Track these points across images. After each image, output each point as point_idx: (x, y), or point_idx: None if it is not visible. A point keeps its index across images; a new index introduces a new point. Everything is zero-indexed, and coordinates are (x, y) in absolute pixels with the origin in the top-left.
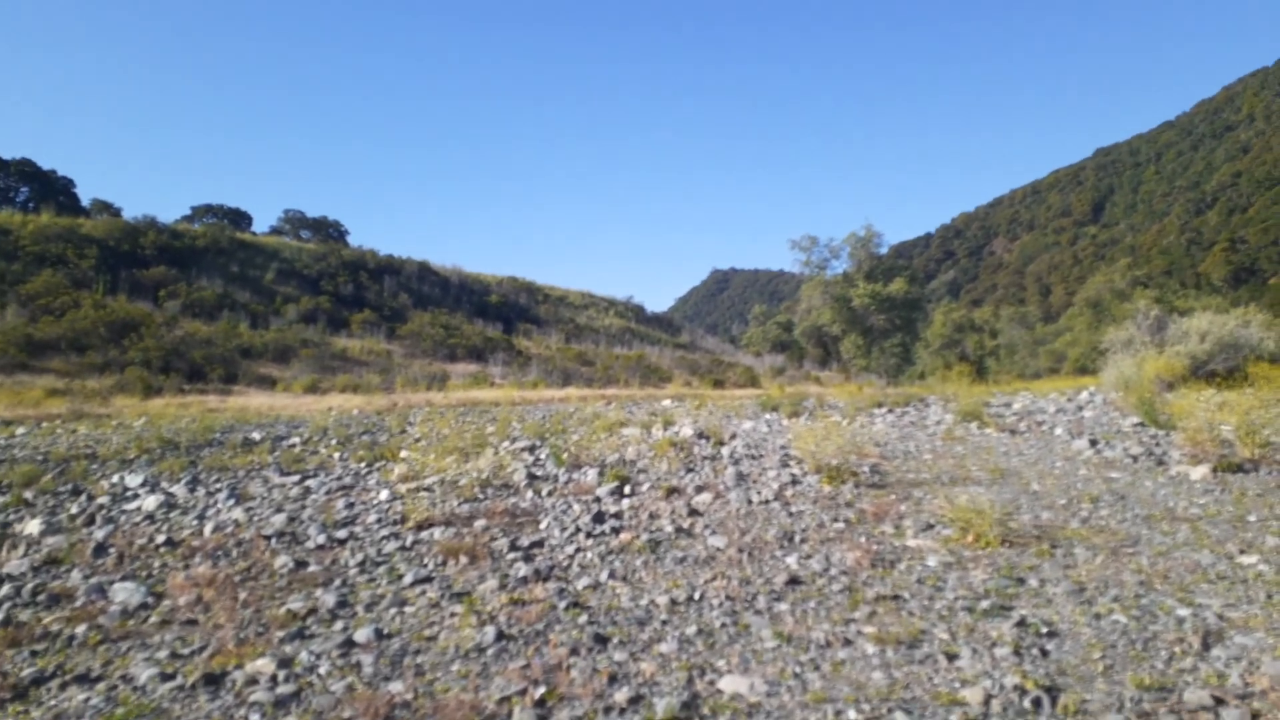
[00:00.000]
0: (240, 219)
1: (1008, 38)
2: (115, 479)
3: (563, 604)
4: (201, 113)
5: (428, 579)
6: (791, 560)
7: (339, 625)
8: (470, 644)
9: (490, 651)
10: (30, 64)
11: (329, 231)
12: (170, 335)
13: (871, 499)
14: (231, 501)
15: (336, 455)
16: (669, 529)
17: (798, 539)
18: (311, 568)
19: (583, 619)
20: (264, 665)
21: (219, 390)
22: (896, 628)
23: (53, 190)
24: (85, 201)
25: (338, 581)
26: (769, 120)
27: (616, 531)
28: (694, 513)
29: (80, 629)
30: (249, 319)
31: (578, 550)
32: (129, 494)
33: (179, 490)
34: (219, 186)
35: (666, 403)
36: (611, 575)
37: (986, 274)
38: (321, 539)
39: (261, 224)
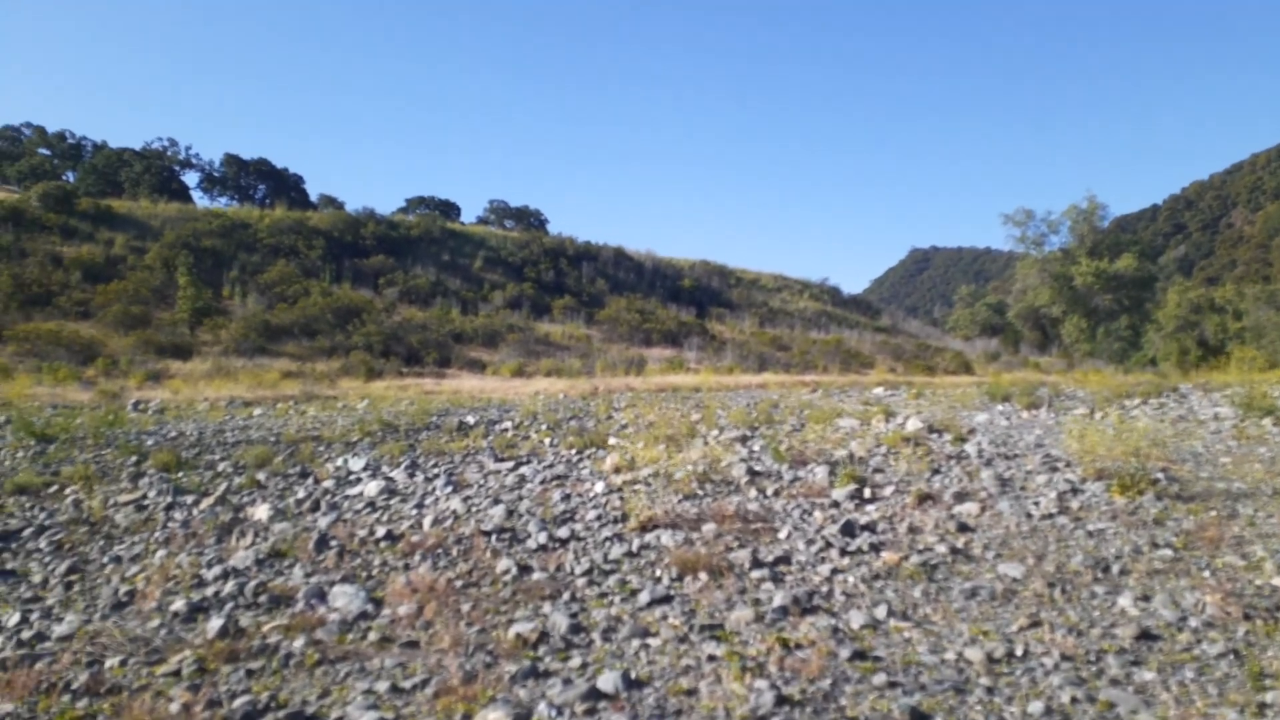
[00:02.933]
0: (450, 209)
1: None
2: (339, 462)
3: (844, 652)
4: (413, 109)
5: (666, 598)
6: (1125, 602)
7: (576, 660)
8: (744, 709)
9: None
10: (265, 69)
11: (530, 220)
12: (389, 321)
13: (1188, 516)
14: (449, 489)
15: (547, 441)
16: (940, 548)
17: (1115, 570)
18: (536, 575)
19: (879, 678)
20: None
21: (434, 373)
22: None
23: (285, 186)
24: (313, 196)
25: (566, 595)
26: (969, 88)
27: (876, 549)
28: (964, 528)
29: (298, 643)
30: (460, 305)
31: (834, 572)
32: (352, 478)
33: (399, 475)
34: (430, 179)
35: (878, 391)
36: (890, 612)
37: (1224, 249)
38: (542, 538)
39: (469, 214)
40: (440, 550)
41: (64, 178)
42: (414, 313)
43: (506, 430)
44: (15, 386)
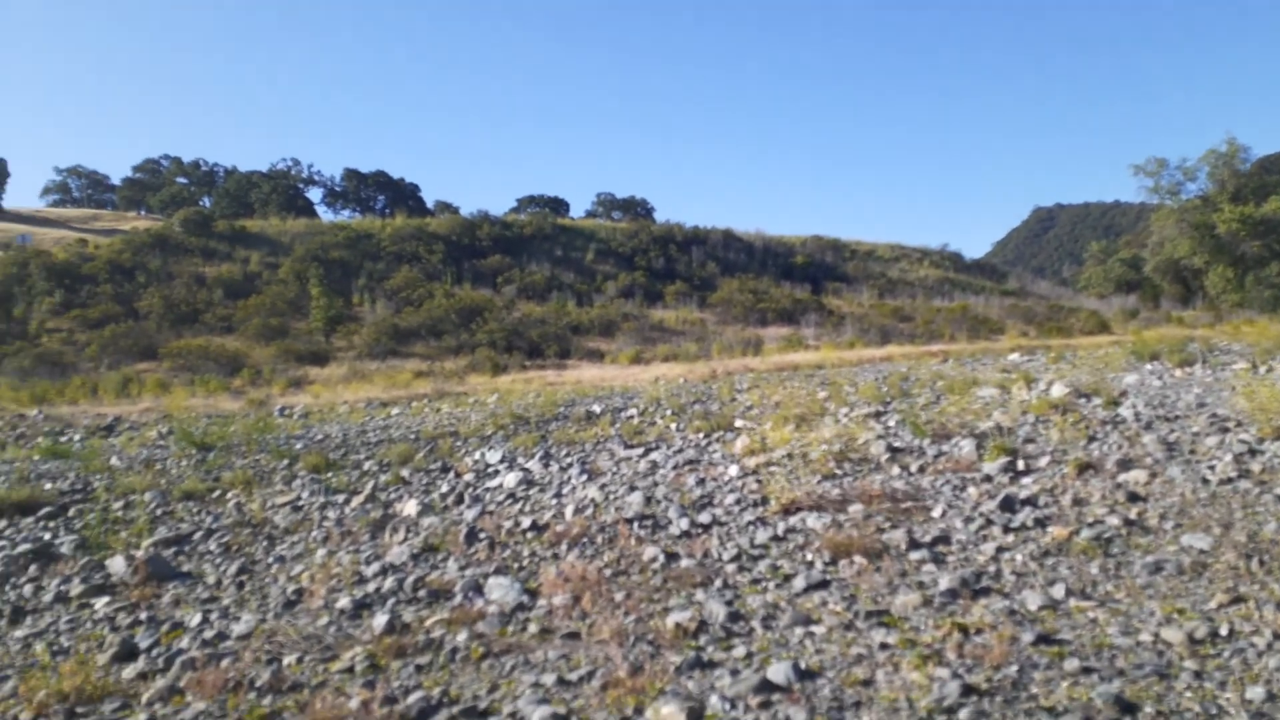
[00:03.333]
0: (559, 206)
1: None
2: (477, 455)
3: (1027, 636)
4: (519, 111)
5: (822, 583)
6: None
7: (739, 650)
8: (928, 699)
9: (963, 714)
10: (376, 83)
11: (637, 209)
12: (510, 317)
13: None
14: (584, 477)
15: (673, 426)
16: (1112, 520)
17: None
18: (684, 561)
19: (1070, 664)
20: (670, 715)
21: (555, 365)
22: None
23: (403, 196)
24: (430, 203)
25: (718, 583)
26: (1087, 35)
27: (1041, 525)
28: (1134, 497)
29: (461, 637)
30: (575, 298)
31: (999, 550)
32: (490, 470)
33: (534, 466)
34: (539, 177)
35: (1013, 357)
36: (1069, 591)
37: None
38: (684, 524)
39: (577, 208)
40: (585, 539)
41: (201, 203)
42: (532, 308)
43: (632, 417)
44: (174, 399)
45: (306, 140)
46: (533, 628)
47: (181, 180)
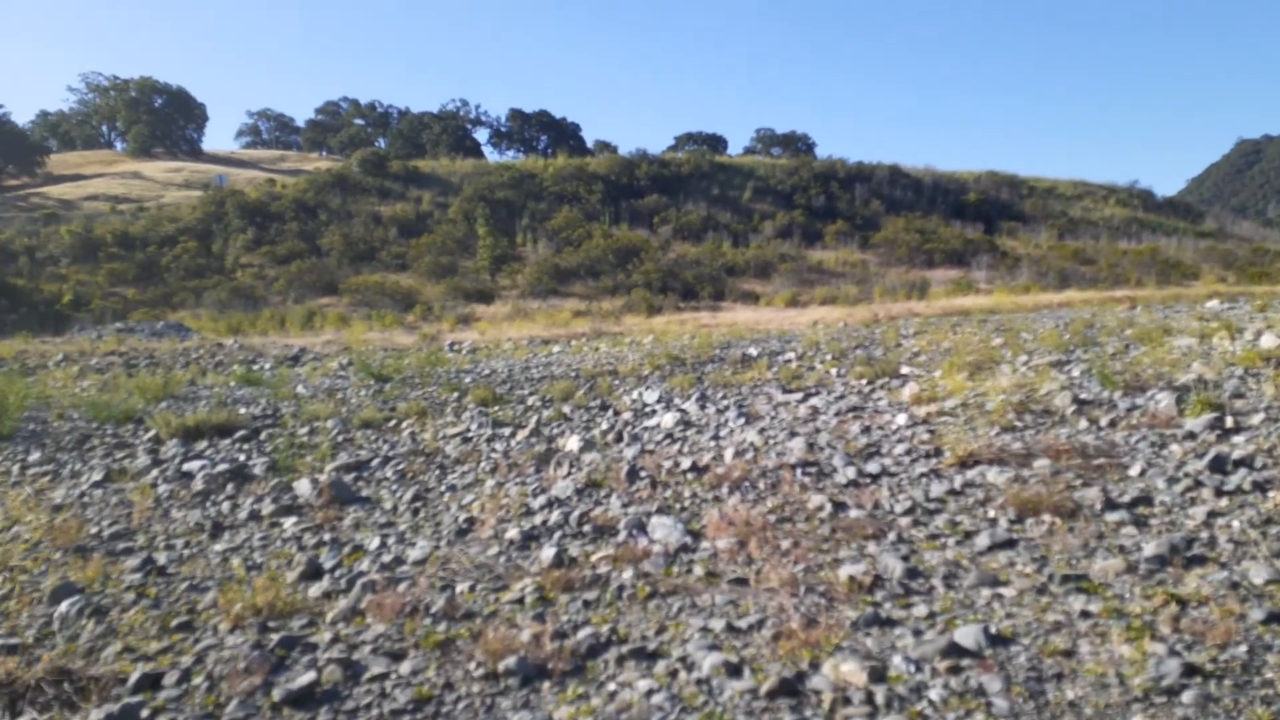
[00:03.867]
0: (717, 143)
1: None
2: (635, 395)
3: (1256, 614)
4: (679, 46)
5: (1008, 543)
6: None
7: (920, 608)
8: (1143, 677)
9: (1187, 697)
10: (538, 20)
11: (798, 145)
12: (665, 258)
13: None
14: (741, 421)
15: (833, 371)
16: None
17: None
18: (853, 512)
19: None
20: (850, 673)
21: (709, 307)
22: None
23: (565, 135)
24: (590, 143)
25: (892, 536)
26: None
27: (1261, 489)
28: None
29: (626, 574)
30: (730, 238)
31: (1211, 515)
32: (647, 409)
33: (691, 407)
34: (698, 114)
35: (1211, 304)
36: None
37: None
38: (850, 472)
39: (736, 145)
40: (747, 483)
41: (376, 144)
42: (687, 248)
43: (790, 361)
44: (353, 332)
45: (474, 80)
46: (698, 570)
47: (359, 122)
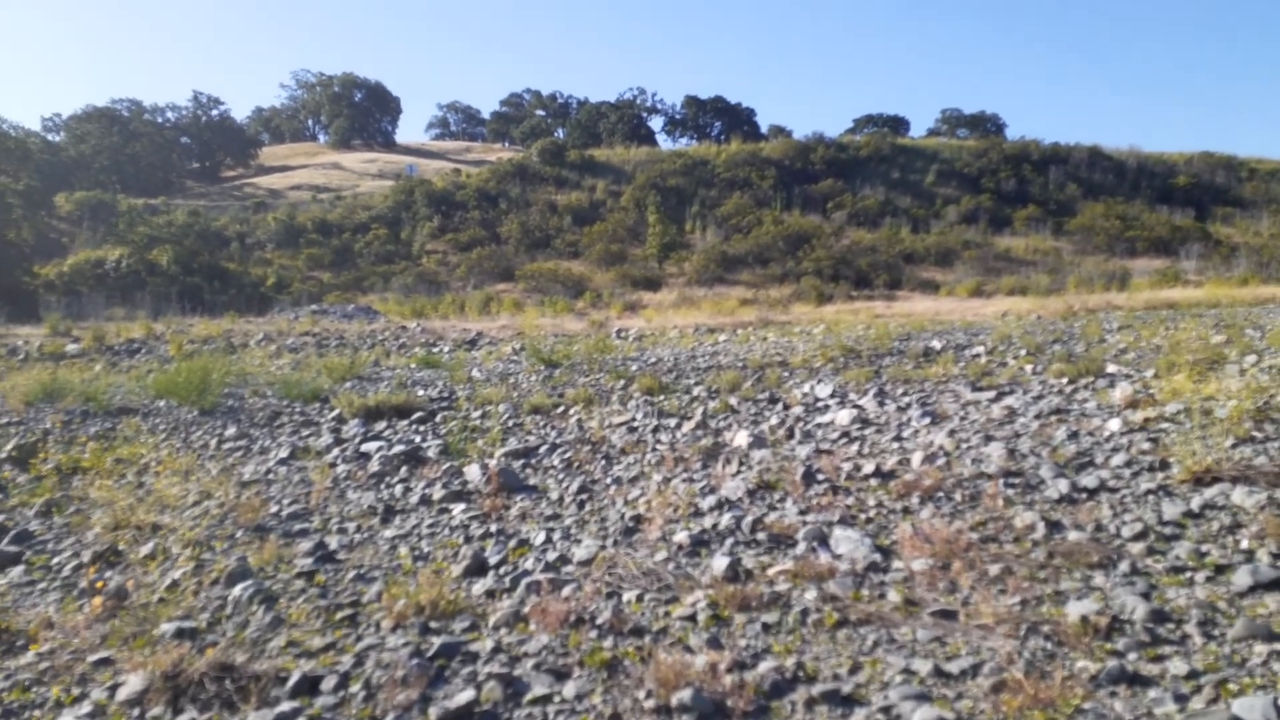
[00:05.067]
0: (898, 125)
1: None
2: (806, 388)
3: None
4: (867, 27)
5: (1275, 583)
6: None
7: (1177, 664)
8: None
9: None
10: (717, 7)
11: (987, 126)
12: (838, 245)
13: None
14: (927, 420)
15: (1028, 368)
16: None
17: None
18: (1071, 534)
19: None
20: None
21: (884, 296)
22: None
23: (739, 121)
24: (764, 128)
25: (1123, 566)
26: None
27: None
28: None
29: (809, 595)
30: (910, 224)
31: None
32: (820, 404)
33: (868, 403)
34: (879, 96)
35: None
36: None
37: None
38: (1063, 486)
39: (919, 127)
40: (941, 494)
41: (556, 134)
42: (862, 235)
43: (979, 356)
44: (526, 318)
45: (652, 69)
46: (893, 595)
47: (540, 113)
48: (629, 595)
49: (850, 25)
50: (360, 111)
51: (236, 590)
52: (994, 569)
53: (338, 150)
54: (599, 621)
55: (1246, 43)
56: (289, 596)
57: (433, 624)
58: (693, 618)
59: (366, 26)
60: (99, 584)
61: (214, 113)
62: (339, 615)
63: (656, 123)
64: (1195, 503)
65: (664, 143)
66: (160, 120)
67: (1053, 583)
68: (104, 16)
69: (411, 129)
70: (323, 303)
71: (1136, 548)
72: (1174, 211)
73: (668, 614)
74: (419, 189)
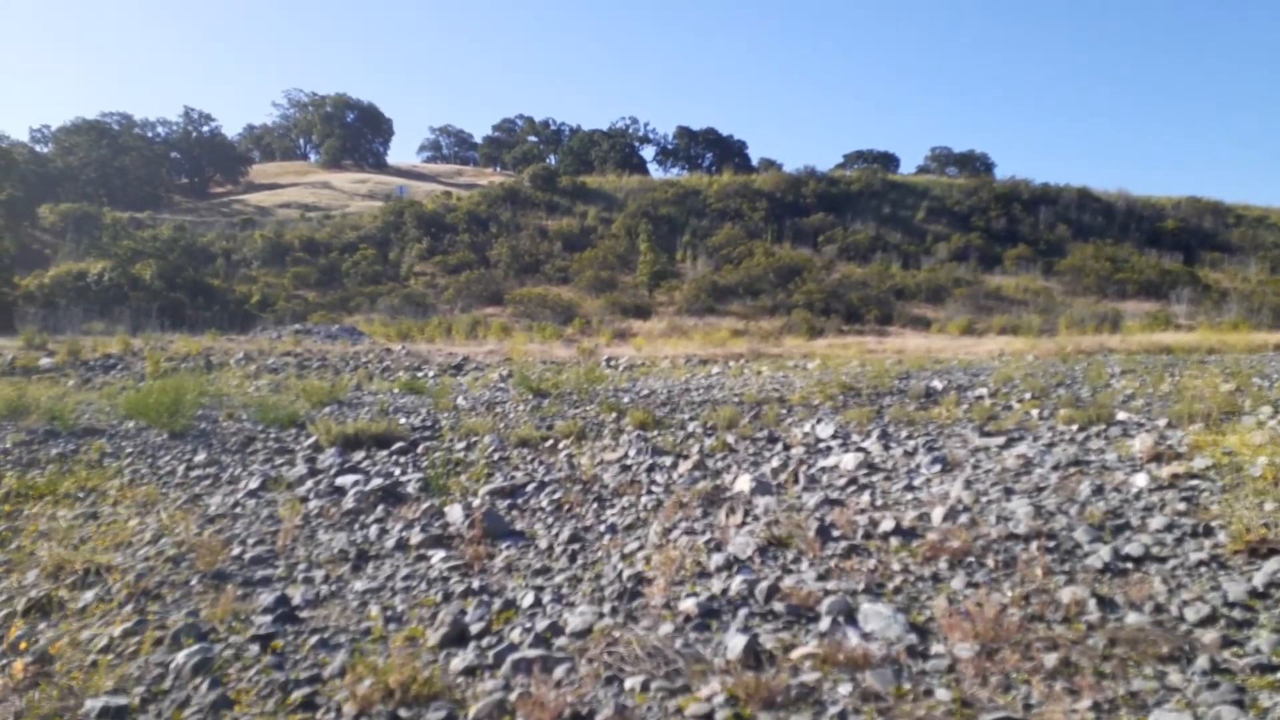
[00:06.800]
0: (888, 161)
1: None
2: (806, 427)
3: None
4: (857, 65)
5: None
6: None
7: None
8: None
9: None
10: (716, 37)
11: (976, 165)
12: (829, 279)
13: None
14: (937, 467)
15: (1034, 413)
16: None
17: None
18: (1128, 615)
19: None
20: None
21: (875, 331)
22: None
23: (730, 153)
24: (755, 160)
25: (1201, 662)
26: None
27: None
28: None
29: (843, 690)
30: (900, 259)
31: None
32: (822, 445)
33: (872, 446)
34: (868, 132)
35: None
36: None
37: None
38: (1105, 554)
39: (908, 164)
40: (971, 559)
41: (548, 160)
42: (853, 269)
43: (982, 398)
44: (514, 343)
45: (644, 98)
46: (942, 694)
47: (532, 139)
48: (632, 682)
49: (841, 61)
50: (352, 132)
51: (180, 657)
52: (1050, 659)
53: (328, 170)
54: (599, 719)
55: (1234, 88)
56: (240, 666)
57: (402, 712)
58: (709, 716)
59: (361, 48)
60: (22, 644)
61: (205, 129)
62: (295, 695)
63: (648, 152)
64: (1258, 580)
65: (655, 172)
66: (150, 135)
67: (1122, 681)
68: (97, 31)
69: (403, 151)
70: (307, 322)
71: (1208, 636)
72: (1163, 255)
73: (679, 709)
74: (409, 210)
